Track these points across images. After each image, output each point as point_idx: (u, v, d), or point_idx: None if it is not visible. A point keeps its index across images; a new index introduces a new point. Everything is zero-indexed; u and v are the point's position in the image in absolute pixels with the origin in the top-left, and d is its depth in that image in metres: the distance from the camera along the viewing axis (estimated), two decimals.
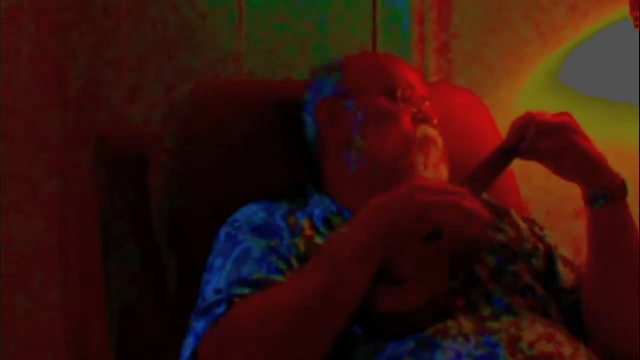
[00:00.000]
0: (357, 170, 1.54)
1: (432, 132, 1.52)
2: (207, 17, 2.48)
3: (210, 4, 2.48)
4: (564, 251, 1.58)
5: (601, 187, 1.42)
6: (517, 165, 1.51)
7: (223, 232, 1.49)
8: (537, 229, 1.60)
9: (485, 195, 1.58)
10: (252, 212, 1.50)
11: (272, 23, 2.42)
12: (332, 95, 1.59)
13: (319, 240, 1.45)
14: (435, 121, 1.55)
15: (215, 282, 1.40)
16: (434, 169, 1.50)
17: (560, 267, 1.54)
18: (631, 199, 1.45)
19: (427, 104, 1.57)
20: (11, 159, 2.46)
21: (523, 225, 1.58)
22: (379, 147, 1.52)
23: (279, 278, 1.37)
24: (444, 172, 1.52)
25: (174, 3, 2.52)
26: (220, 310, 1.34)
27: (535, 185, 2.01)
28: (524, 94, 2.23)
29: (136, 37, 2.54)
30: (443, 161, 1.52)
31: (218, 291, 1.38)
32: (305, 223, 1.48)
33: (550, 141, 1.41)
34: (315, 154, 1.61)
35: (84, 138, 2.47)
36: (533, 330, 1.32)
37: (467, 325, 1.32)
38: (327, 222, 1.49)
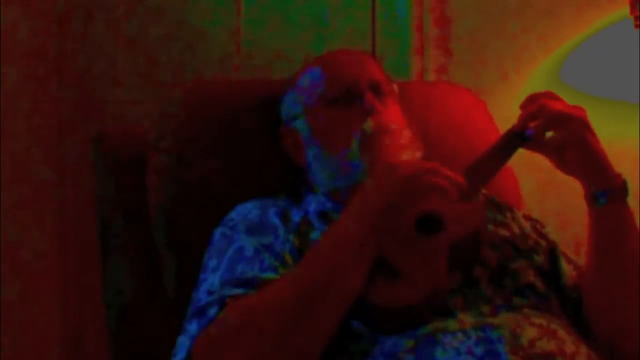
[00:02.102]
0: (323, 187, 1.54)
1: (370, 124, 1.50)
2: (206, 18, 2.47)
3: (209, 4, 2.47)
4: (566, 249, 1.58)
5: (603, 185, 1.41)
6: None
7: (218, 231, 1.49)
8: (539, 226, 1.60)
9: (485, 191, 1.58)
10: (246, 211, 1.50)
11: (270, 24, 2.41)
12: (287, 120, 1.60)
13: (314, 235, 1.45)
14: (383, 104, 1.53)
15: (209, 282, 1.40)
16: (392, 158, 1.48)
17: (563, 264, 1.54)
18: (631, 199, 1.44)
19: (371, 91, 1.54)
20: (9, 159, 2.45)
21: (525, 223, 1.57)
22: (327, 160, 1.53)
23: (271, 276, 1.37)
24: (407, 156, 1.50)
25: (173, 4, 2.51)
26: (212, 311, 1.34)
27: None
28: (524, 93, 2.22)
29: (134, 37, 2.53)
30: (405, 146, 1.50)
31: (211, 292, 1.37)
32: (300, 219, 1.48)
33: (559, 131, 1.40)
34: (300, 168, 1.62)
35: (82, 138, 2.46)
36: (534, 327, 1.32)
37: (467, 320, 1.32)
38: (323, 216, 1.49)
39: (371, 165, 1.48)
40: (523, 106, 1.43)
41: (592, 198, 1.42)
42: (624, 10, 2.08)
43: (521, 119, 1.42)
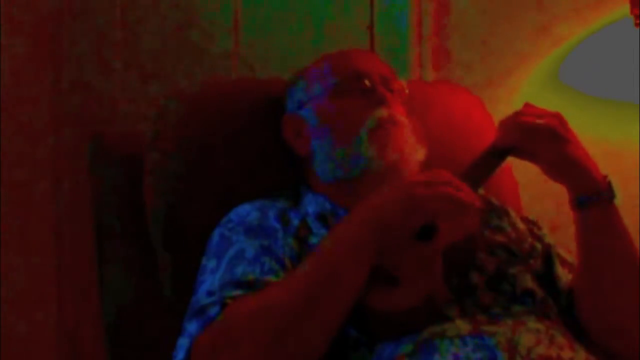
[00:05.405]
0: (325, 177, 1.53)
1: (383, 113, 1.51)
2: (204, 17, 2.47)
3: (208, 3, 2.47)
4: (562, 251, 1.57)
5: (586, 190, 1.42)
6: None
7: (217, 232, 1.48)
8: (535, 229, 1.59)
9: (482, 192, 1.57)
10: (245, 212, 1.49)
11: (268, 23, 2.41)
12: (294, 108, 1.59)
13: (312, 239, 1.44)
14: (394, 99, 1.54)
15: (209, 283, 1.39)
16: (398, 151, 1.49)
17: (558, 268, 1.54)
18: (632, 198, 1.44)
19: (399, 83, 1.56)
20: (5, 160, 2.45)
21: (522, 226, 1.57)
22: (333, 149, 1.52)
23: (272, 278, 1.36)
24: (413, 152, 1.51)
25: (171, 3, 2.51)
26: (213, 312, 1.33)
27: None
28: (523, 93, 2.22)
29: (131, 37, 2.52)
30: (410, 139, 1.50)
31: (211, 293, 1.37)
32: (298, 222, 1.47)
33: (532, 147, 1.42)
34: (300, 162, 1.60)
35: (79, 138, 2.46)
36: (532, 333, 1.32)
37: (465, 327, 1.31)
38: (322, 218, 1.48)
39: (377, 155, 1.48)
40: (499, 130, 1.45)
41: (575, 203, 1.43)
42: (624, 9, 2.07)
43: (501, 134, 1.43)
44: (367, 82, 1.54)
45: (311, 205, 1.52)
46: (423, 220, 1.30)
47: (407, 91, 1.60)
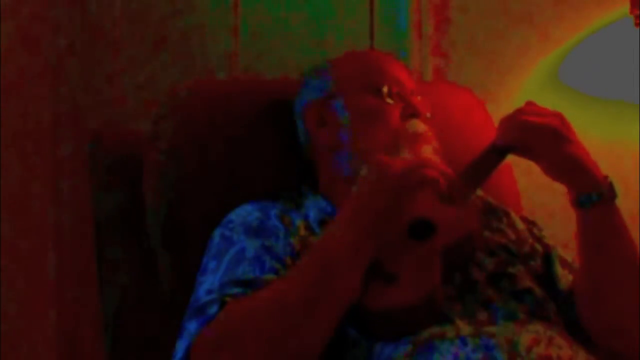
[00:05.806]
0: (348, 171, 1.52)
1: (422, 127, 1.51)
2: (204, 17, 2.47)
3: (208, 3, 2.47)
4: (562, 252, 1.57)
5: (587, 190, 1.42)
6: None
7: (218, 232, 1.48)
8: (535, 230, 1.59)
9: (481, 193, 1.57)
10: (246, 212, 1.49)
11: (268, 24, 2.41)
12: (320, 97, 1.58)
13: (313, 240, 1.44)
14: (428, 115, 1.55)
15: (209, 283, 1.39)
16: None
17: (558, 269, 1.54)
18: (632, 199, 1.44)
19: (418, 98, 1.56)
20: (5, 160, 2.45)
21: (521, 226, 1.57)
22: (367, 146, 1.51)
23: (272, 278, 1.37)
24: None
25: (170, 3, 2.51)
26: (212, 310, 1.34)
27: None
28: (523, 93, 2.22)
29: (132, 37, 2.52)
30: (436, 155, 1.50)
31: (210, 292, 1.37)
32: (300, 223, 1.47)
33: (533, 145, 1.42)
34: (308, 156, 1.60)
35: (78, 138, 2.46)
36: (531, 334, 1.32)
37: (465, 327, 1.32)
38: (323, 224, 1.48)
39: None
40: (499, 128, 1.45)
41: (576, 202, 1.43)
42: (624, 8, 2.07)
43: (501, 132, 1.43)
44: (403, 92, 1.54)
45: (312, 209, 1.51)
46: (408, 193, 1.31)
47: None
